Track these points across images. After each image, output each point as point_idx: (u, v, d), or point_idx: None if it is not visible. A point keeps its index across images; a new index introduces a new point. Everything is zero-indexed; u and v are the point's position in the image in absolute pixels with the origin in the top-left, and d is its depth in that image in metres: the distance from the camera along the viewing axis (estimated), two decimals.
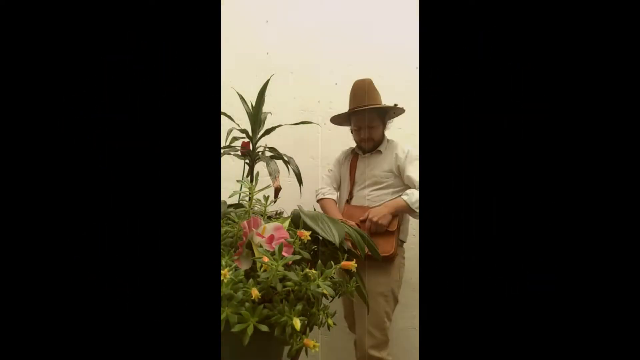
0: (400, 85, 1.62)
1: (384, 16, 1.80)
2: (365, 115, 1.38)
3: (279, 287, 0.52)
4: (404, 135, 1.57)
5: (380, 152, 1.41)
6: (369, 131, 1.39)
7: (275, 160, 0.90)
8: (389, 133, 1.48)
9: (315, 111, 1.70)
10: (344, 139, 1.71)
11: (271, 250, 0.56)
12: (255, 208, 0.69)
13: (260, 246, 0.57)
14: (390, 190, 1.35)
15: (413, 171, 1.31)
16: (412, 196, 1.27)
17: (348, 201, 1.41)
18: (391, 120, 1.46)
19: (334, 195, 1.47)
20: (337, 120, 1.49)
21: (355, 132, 1.44)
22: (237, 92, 0.95)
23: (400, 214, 1.31)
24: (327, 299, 0.58)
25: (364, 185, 1.38)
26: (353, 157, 1.47)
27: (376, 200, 1.34)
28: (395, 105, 1.36)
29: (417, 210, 1.26)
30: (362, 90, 1.39)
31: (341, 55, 1.76)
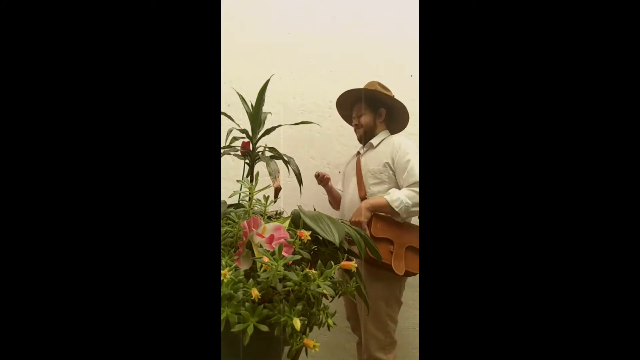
0: (401, 84, 1.62)
1: (386, 16, 1.80)
2: (353, 100, 1.45)
3: (279, 287, 0.52)
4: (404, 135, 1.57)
5: (372, 145, 1.41)
6: (358, 119, 1.45)
7: (275, 160, 0.89)
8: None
9: (315, 111, 1.70)
10: (344, 138, 1.71)
11: (271, 250, 0.55)
12: (255, 208, 0.69)
13: (260, 246, 0.57)
14: (386, 186, 1.32)
15: (404, 179, 1.29)
16: (393, 194, 1.24)
17: (363, 199, 1.37)
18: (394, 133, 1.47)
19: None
20: (345, 117, 1.56)
21: (353, 121, 1.50)
22: (237, 92, 0.95)
23: (379, 211, 1.26)
24: (327, 299, 0.58)
25: (367, 182, 1.37)
26: (357, 157, 1.47)
27: (377, 196, 1.32)
28: (375, 90, 1.39)
29: (397, 209, 1.22)
30: (365, 86, 1.45)
31: (341, 55, 1.76)
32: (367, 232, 1.23)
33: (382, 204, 1.25)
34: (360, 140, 1.47)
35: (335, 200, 1.55)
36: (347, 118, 1.55)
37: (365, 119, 1.43)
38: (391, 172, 1.32)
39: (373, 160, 1.37)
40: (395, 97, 1.44)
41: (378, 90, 1.39)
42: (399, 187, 1.31)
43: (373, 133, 1.43)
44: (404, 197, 1.24)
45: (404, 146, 1.31)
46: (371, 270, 1.25)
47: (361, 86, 1.46)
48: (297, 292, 0.54)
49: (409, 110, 1.42)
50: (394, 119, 1.46)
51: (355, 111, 1.46)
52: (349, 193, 1.41)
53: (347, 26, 1.77)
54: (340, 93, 1.46)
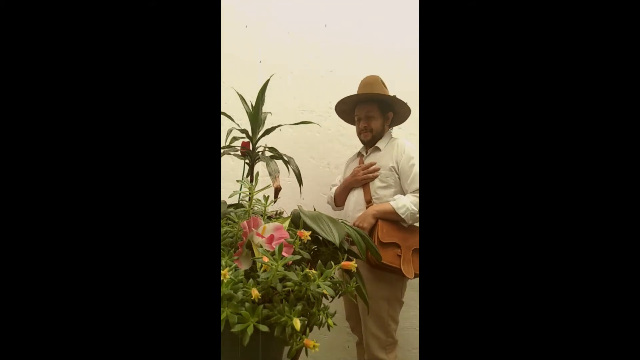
0: (401, 85, 1.62)
1: (385, 16, 1.80)
2: (363, 103, 1.41)
3: (279, 287, 0.52)
4: (404, 136, 1.57)
5: (379, 149, 1.40)
6: (366, 121, 1.40)
7: (275, 160, 0.89)
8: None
9: (315, 111, 1.70)
10: (344, 138, 1.71)
11: (271, 250, 0.55)
12: (255, 208, 0.69)
13: (260, 246, 0.57)
14: (393, 190, 1.32)
15: (408, 185, 1.29)
16: (399, 201, 1.25)
17: (369, 202, 1.36)
18: (392, 128, 1.47)
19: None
20: (342, 112, 1.51)
21: (357, 123, 1.45)
22: (237, 92, 0.95)
23: (385, 217, 1.27)
24: (327, 299, 0.58)
25: (373, 185, 1.36)
26: (360, 159, 1.45)
27: (383, 199, 1.32)
28: (394, 96, 1.36)
29: (403, 216, 1.24)
30: (367, 84, 1.42)
31: (341, 55, 1.76)
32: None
33: (388, 211, 1.25)
34: (367, 144, 1.44)
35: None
36: (345, 115, 1.52)
37: (376, 123, 1.39)
38: (396, 175, 1.32)
39: (378, 163, 1.36)
40: (392, 91, 1.43)
41: (395, 97, 1.37)
42: (403, 192, 1.31)
43: (381, 137, 1.42)
44: (410, 203, 1.24)
45: (408, 150, 1.31)
46: (374, 271, 1.25)
47: (359, 85, 1.45)
48: (297, 292, 0.54)
49: (409, 108, 1.43)
50: (397, 118, 1.47)
51: (364, 111, 1.40)
52: (354, 195, 1.40)
53: (348, 26, 1.77)
54: (335, 96, 1.44)
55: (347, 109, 1.49)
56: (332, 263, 0.58)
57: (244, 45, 1.70)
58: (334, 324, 0.56)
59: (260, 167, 0.88)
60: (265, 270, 0.53)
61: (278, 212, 0.79)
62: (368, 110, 1.40)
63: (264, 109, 0.91)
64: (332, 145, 1.71)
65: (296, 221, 0.67)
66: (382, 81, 1.42)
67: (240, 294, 0.50)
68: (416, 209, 1.24)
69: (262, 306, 0.50)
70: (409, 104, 1.42)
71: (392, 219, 1.27)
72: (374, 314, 1.25)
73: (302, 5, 1.76)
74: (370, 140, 1.42)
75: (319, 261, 0.58)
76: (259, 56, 1.70)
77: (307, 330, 0.54)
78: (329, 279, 0.55)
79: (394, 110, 1.42)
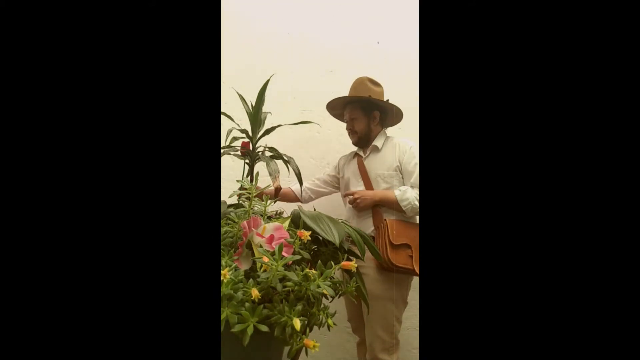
0: (401, 85, 1.63)
1: (385, 16, 1.80)
2: (345, 106, 1.43)
3: (279, 287, 0.52)
4: (404, 136, 1.56)
5: (377, 148, 1.39)
6: (351, 123, 1.42)
7: (275, 160, 0.89)
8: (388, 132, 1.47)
9: (315, 111, 1.70)
10: (344, 138, 1.71)
11: (271, 250, 0.55)
12: (255, 208, 0.69)
13: (260, 246, 0.57)
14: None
15: (412, 184, 1.30)
16: (404, 193, 1.27)
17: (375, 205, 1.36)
18: (385, 127, 1.47)
19: (294, 187, 1.50)
20: (337, 115, 1.53)
21: (347, 125, 1.46)
22: (237, 92, 0.96)
23: (385, 206, 1.30)
24: (327, 299, 0.58)
25: (378, 186, 1.36)
26: (358, 159, 1.44)
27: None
28: (369, 96, 1.36)
29: (404, 208, 1.26)
30: (353, 87, 1.43)
31: (341, 55, 1.76)
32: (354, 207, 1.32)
33: (391, 199, 1.28)
34: (355, 144, 1.45)
35: (289, 197, 1.50)
36: (341, 117, 1.53)
37: (360, 125, 1.40)
38: (401, 176, 1.34)
39: (381, 164, 1.36)
40: (392, 91, 1.43)
41: (372, 97, 1.36)
42: None
43: (370, 137, 1.41)
44: (413, 198, 1.27)
45: (410, 150, 1.33)
46: (382, 271, 1.25)
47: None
48: (297, 292, 0.54)
49: (409, 108, 1.42)
50: (388, 117, 1.45)
51: (348, 114, 1.42)
52: None
53: (348, 26, 1.77)
54: (335, 96, 1.43)
55: (338, 112, 1.50)
56: (332, 263, 0.58)
57: (244, 45, 1.70)
58: (334, 324, 0.56)
59: (260, 167, 0.88)
60: (265, 270, 0.53)
61: (278, 212, 0.79)
62: (351, 112, 1.41)
63: (264, 109, 0.91)
64: (332, 145, 1.71)
65: (296, 221, 0.67)
66: (369, 81, 1.40)
67: (240, 294, 0.50)
68: (418, 204, 1.27)
69: (262, 306, 0.50)
70: (408, 104, 1.41)
71: (391, 208, 1.29)
72: (380, 315, 1.25)
73: (302, 5, 1.76)
74: (358, 141, 1.42)
75: (319, 261, 0.58)
76: (258, 56, 1.70)
77: (307, 330, 0.54)
78: (329, 279, 0.55)
79: (380, 109, 1.41)
